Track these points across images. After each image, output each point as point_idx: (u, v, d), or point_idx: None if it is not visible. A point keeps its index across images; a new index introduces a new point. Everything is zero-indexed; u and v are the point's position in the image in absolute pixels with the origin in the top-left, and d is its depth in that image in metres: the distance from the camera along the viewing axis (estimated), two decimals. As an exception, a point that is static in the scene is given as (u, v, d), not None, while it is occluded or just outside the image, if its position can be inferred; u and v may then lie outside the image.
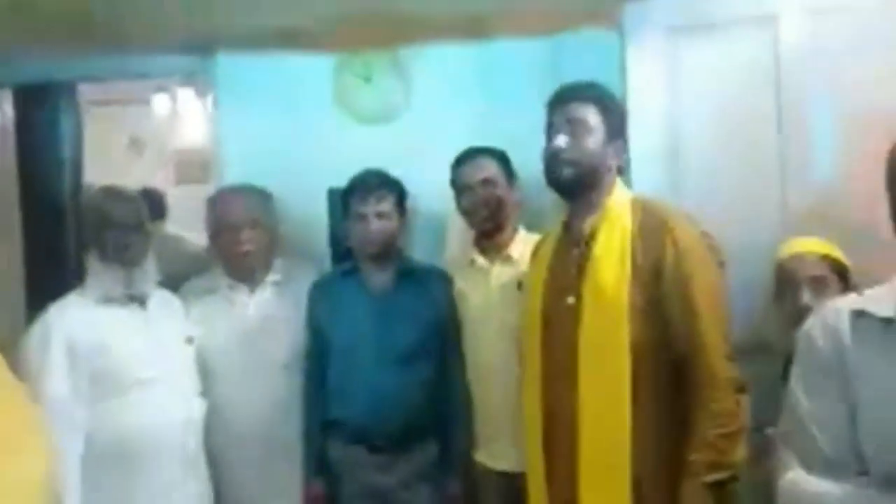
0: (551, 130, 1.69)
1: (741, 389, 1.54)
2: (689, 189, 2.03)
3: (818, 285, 1.66)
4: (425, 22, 2.34)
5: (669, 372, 1.58)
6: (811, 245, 1.73)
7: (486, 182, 2.12)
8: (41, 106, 2.70)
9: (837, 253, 1.69)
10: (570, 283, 1.66)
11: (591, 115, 1.66)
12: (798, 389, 1.11)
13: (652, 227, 1.61)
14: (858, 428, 1.03)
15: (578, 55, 2.31)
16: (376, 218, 2.11)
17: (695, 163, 2.05)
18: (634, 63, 2.05)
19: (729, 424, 1.51)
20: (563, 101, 1.69)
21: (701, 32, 1.99)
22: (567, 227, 1.74)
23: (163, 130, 4.81)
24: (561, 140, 1.64)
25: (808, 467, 1.07)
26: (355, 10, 2.22)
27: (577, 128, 1.65)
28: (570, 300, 1.65)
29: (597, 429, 1.58)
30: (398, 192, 2.17)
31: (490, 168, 2.14)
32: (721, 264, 1.71)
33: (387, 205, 2.12)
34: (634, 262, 1.59)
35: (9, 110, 2.70)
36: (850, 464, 1.04)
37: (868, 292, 1.10)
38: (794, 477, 1.09)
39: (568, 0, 2.21)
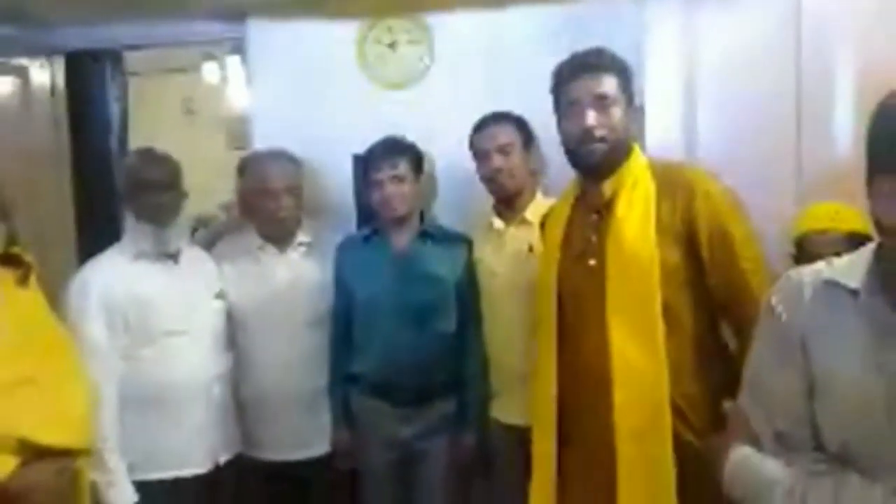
0: (574, 107, 1.65)
1: None
2: (706, 158, 2.02)
3: None
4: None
5: (705, 323, 1.61)
6: (836, 219, 1.70)
7: (503, 149, 2.15)
8: (90, 72, 2.83)
9: (862, 223, 1.63)
10: (589, 246, 1.67)
11: (613, 87, 1.64)
12: (757, 361, 1.11)
13: (676, 186, 1.61)
14: (816, 402, 1.03)
15: (596, 22, 2.29)
16: (391, 183, 2.17)
17: (712, 132, 2.04)
18: (652, 32, 2.04)
19: None
20: (582, 73, 1.65)
21: (720, 1, 1.95)
22: (583, 192, 1.74)
23: (213, 97, 4.95)
24: (591, 117, 1.62)
25: (762, 441, 1.07)
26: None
27: (604, 103, 1.63)
28: (592, 262, 1.65)
29: (631, 380, 1.56)
30: (413, 156, 2.22)
31: (507, 134, 2.17)
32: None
33: (401, 169, 2.18)
34: (660, 220, 1.59)
35: (60, 76, 2.85)
36: (805, 438, 1.03)
37: (836, 262, 1.08)
38: (743, 454, 1.09)
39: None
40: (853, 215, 1.68)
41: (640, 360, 1.55)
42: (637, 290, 1.57)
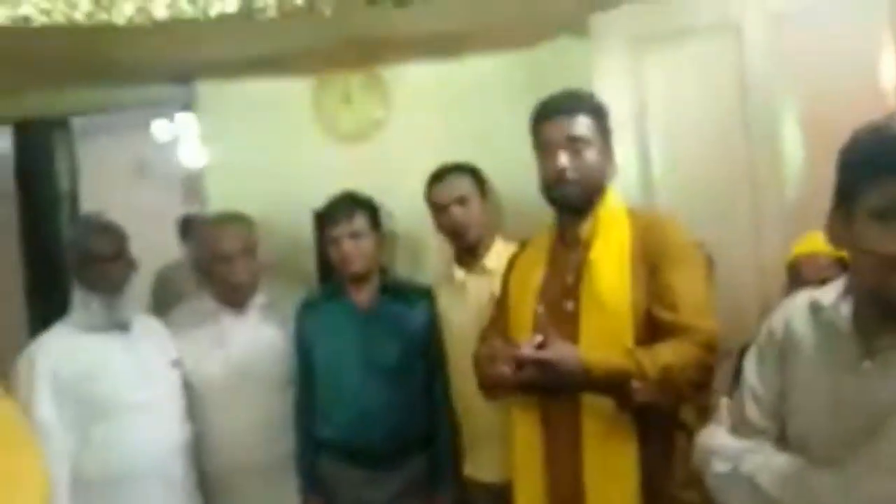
0: (548, 149, 1.65)
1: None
2: (660, 196, 2.04)
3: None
4: (399, 42, 2.38)
5: None
6: (822, 243, 1.73)
7: (460, 200, 2.14)
8: (37, 140, 2.77)
9: None
10: (567, 288, 1.64)
11: (588, 128, 1.64)
12: (748, 367, 1.23)
13: (648, 230, 1.62)
14: (787, 406, 1.15)
15: (551, 66, 2.33)
16: (349, 239, 2.14)
17: (664, 170, 2.06)
18: (601, 72, 2.07)
19: (689, 361, 1.47)
20: (556, 115, 1.65)
21: (666, 41, 2.00)
22: (560, 234, 1.73)
23: (165, 154, 4.91)
24: (563, 159, 1.61)
25: (735, 429, 1.20)
26: (332, 35, 2.28)
27: (577, 144, 1.62)
28: (569, 306, 1.62)
29: (599, 424, 1.54)
30: (370, 210, 2.20)
31: (462, 186, 2.16)
32: (709, 278, 1.72)
33: (358, 225, 2.15)
34: (634, 264, 1.58)
35: (7, 145, 2.79)
36: (769, 429, 1.16)
37: (828, 286, 1.16)
38: (709, 429, 1.25)
39: (539, 13, 2.23)
40: None
41: (610, 412, 1.53)
42: (610, 334, 1.55)
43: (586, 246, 1.64)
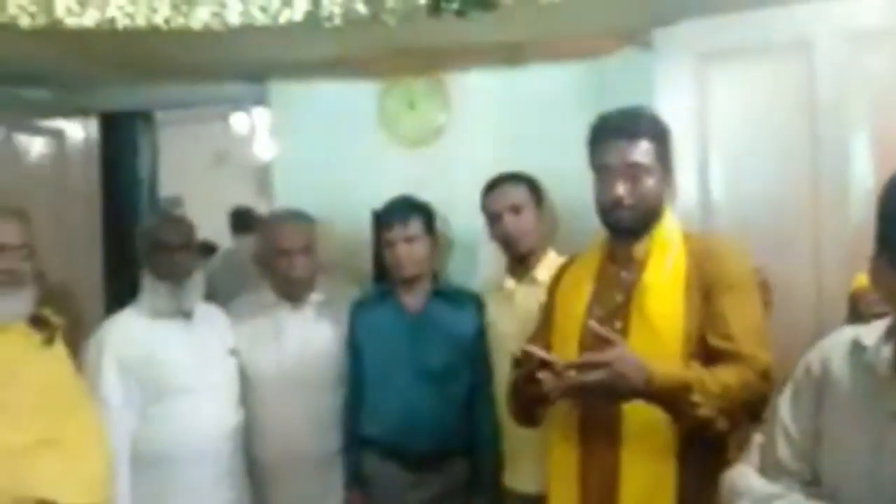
0: (606, 173, 1.61)
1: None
2: (719, 217, 1.99)
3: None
4: (466, 50, 2.41)
5: None
6: None
7: (514, 209, 2.15)
8: (122, 130, 2.94)
9: None
10: (616, 308, 1.61)
11: (649, 155, 1.59)
12: (782, 404, 1.19)
13: (704, 255, 1.58)
14: (821, 449, 1.10)
15: (617, 79, 2.30)
16: (404, 243, 2.18)
17: (724, 190, 2.01)
18: (664, 88, 2.03)
19: (747, 386, 1.44)
20: (616, 138, 1.60)
21: (732, 57, 1.95)
22: (611, 252, 1.69)
23: (242, 146, 5.10)
24: (620, 188, 1.58)
25: (765, 470, 1.16)
26: (400, 41, 2.32)
27: (636, 171, 1.58)
28: (617, 325, 1.58)
29: (639, 442, 1.52)
30: (425, 216, 2.23)
31: (517, 195, 2.16)
32: (766, 304, 1.67)
33: (413, 229, 2.18)
34: (688, 289, 1.55)
35: (94, 135, 2.96)
36: (801, 471, 1.12)
37: (874, 324, 1.12)
38: (738, 469, 1.21)
39: (602, 25, 2.21)
40: None
41: (652, 427, 1.50)
42: (658, 357, 1.49)
43: (640, 266, 1.61)
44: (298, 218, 2.34)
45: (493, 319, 2.22)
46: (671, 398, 1.44)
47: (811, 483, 1.11)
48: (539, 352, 1.48)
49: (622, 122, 1.61)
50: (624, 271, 1.64)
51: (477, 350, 2.20)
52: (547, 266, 2.12)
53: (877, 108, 1.81)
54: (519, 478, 2.14)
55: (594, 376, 1.41)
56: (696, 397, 1.42)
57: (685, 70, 2.02)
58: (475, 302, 2.27)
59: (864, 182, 1.83)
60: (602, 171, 1.62)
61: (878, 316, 1.56)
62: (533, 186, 2.20)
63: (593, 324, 1.51)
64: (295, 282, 2.28)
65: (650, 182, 1.59)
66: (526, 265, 2.19)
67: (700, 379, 1.44)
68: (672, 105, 2.01)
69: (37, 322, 1.73)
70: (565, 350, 1.62)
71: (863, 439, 1.04)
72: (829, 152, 1.87)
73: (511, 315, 2.16)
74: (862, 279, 1.71)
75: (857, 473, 1.04)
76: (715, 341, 1.51)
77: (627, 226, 1.62)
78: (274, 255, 2.28)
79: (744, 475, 1.18)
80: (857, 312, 1.65)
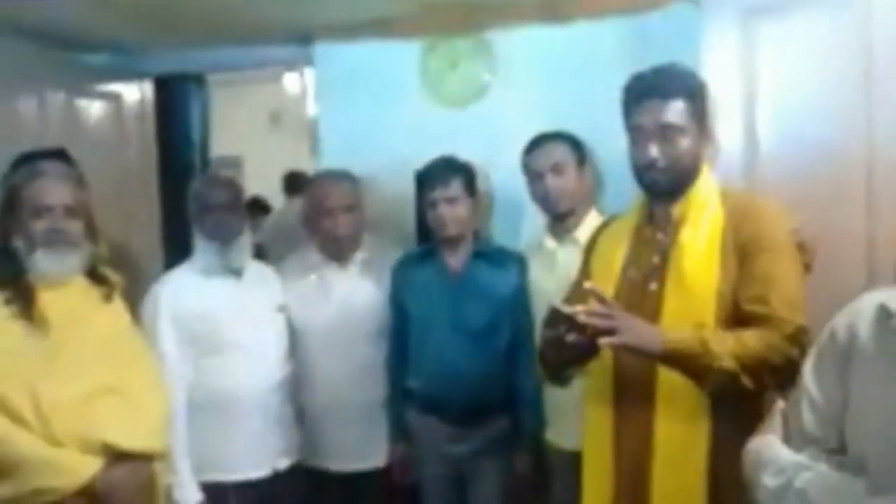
0: (639, 135, 1.59)
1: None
2: (767, 173, 1.93)
3: None
4: (508, 6, 2.37)
5: None
6: None
7: (556, 168, 2.14)
8: (175, 93, 3.02)
9: None
10: (652, 269, 1.61)
11: (683, 115, 1.56)
12: (806, 370, 1.17)
13: (742, 216, 1.56)
14: (847, 416, 1.08)
15: (662, 34, 2.24)
16: (445, 203, 2.19)
17: (772, 148, 1.94)
18: (711, 43, 1.96)
19: (772, 349, 1.42)
20: (649, 98, 1.57)
21: (782, 13, 1.85)
22: (649, 212, 1.68)
23: (296, 106, 5.15)
24: (653, 150, 1.56)
25: (789, 438, 1.15)
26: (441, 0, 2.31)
27: (669, 132, 1.55)
28: (653, 286, 1.59)
29: (673, 403, 1.52)
30: (466, 176, 2.24)
31: (559, 154, 2.15)
32: (806, 266, 1.63)
33: (454, 190, 2.20)
34: (724, 250, 1.54)
35: (149, 96, 3.06)
36: (828, 439, 1.10)
37: None
38: (762, 439, 1.19)
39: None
40: None
41: (686, 389, 1.50)
42: (692, 318, 1.51)
43: (676, 227, 1.60)
44: (342, 177, 2.38)
45: (534, 278, 2.23)
46: (689, 354, 1.44)
47: (836, 451, 1.09)
48: (564, 308, 1.49)
49: (654, 82, 1.58)
50: (660, 233, 1.63)
51: (518, 308, 2.22)
52: (588, 226, 2.11)
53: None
54: (560, 434, 2.18)
55: (602, 322, 1.43)
56: (714, 347, 1.42)
57: (732, 24, 1.94)
58: (517, 261, 2.28)
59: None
60: (635, 132, 1.60)
61: None
62: (575, 145, 2.19)
63: (589, 284, 1.53)
64: (339, 240, 2.33)
65: (684, 143, 1.57)
66: (566, 225, 2.19)
67: (716, 334, 1.45)
68: (719, 60, 1.95)
69: (96, 278, 1.83)
70: None
71: (890, 405, 1.01)
72: (883, 105, 1.77)
73: (551, 274, 2.17)
74: None
75: (884, 439, 1.01)
76: (749, 304, 1.50)
77: (662, 187, 1.61)
78: (319, 214, 2.34)
79: (769, 445, 1.16)
80: None
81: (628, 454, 1.61)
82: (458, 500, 2.28)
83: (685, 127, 1.56)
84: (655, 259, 1.61)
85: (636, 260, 1.65)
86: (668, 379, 1.52)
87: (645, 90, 1.58)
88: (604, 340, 1.43)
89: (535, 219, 2.34)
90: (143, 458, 1.71)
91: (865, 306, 1.10)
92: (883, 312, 1.06)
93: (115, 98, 2.93)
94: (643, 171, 1.61)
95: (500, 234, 2.52)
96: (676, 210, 1.61)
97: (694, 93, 1.58)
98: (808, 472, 1.07)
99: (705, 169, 1.64)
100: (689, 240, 1.56)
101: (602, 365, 1.63)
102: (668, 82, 1.57)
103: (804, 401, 1.14)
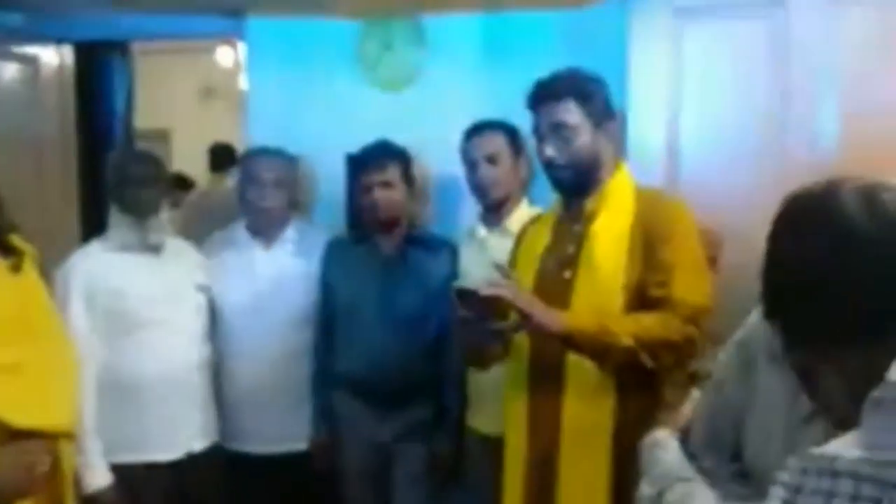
0: (538, 136, 1.69)
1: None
2: (686, 167, 2.01)
3: None
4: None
5: None
6: None
7: (491, 158, 2.15)
8: (97, 61, 2.89)
9: None
10: (567, 258, 1.68)
11: (572, 113, 1.64)
12: (715, 369, 1.14)
13: (651, 208, 1.64)
14: (745, 426, 1.05)
15: (594, 27, 2.27)
16: (380, 188, 2.18)
17: (694, 142, 2.02)
18: (639, 40, 2.01)
19: (670, 330, 1.51)
20: (540, 101, 1.67)
21: (709, 13, 1.93)
22: (567, 205, 1.75)
23: (229, 80, 5.00)
24: (549, 150, 1.66)
25: (683, 438, 1.13)
26: (380, -22, 2.27)
27: (561, 132, 1.65)
28: (567, 274, 1.66)
29: (580, 385, 1.60)
30: (402, 161, 2.23)
31: (494, 144, 2.16)
32: (712, 259, 1.71)
33: (390, 175, 2.18)
34: (633, 242, 1.61)
35: (69, 63, 2.91)
36: (725, 449, 1.07)
37: None
38: (661, 434, 1.16)
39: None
40: None
41: (593, 372, 1.58)
42: (600, 304, 1.59)
43: (589, 218, 1.68)
44: (275, 154, 2.34)
45: (464, 266, 2.24)
46: (589, 334, 1.52)
47: (735, 457, 1.06)
48: (466, 286, 1.56)
49: (548, 85, 1.67)
50: (576, 224, 1.70)
51: (448, 295, 2.22)
52: (519, 217, 2.14)
53: (848, 67, 1.80)
54: (481, 419, 2.20)
55: (502, 292, 1.49)
56: (612, 327, 1.51)
57: (661, 24, 2.00)
58: (449, 248, 2.29)
59: (831, 138, 1.83)
60: (536, 134, 1.70)
61: None
62: (512, 136, 2.19)
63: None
64: (265, 213, 2.28)
65: (579, 139, 1.65)
66: (499, 214, 2.21)
67: (615, 317, 1.54)
68: (646, 57, 2.01)
69: (2, 248, 1.72)
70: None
71: (779, 428, 0.98)
72: (798, 109, 1.87)
73: (483, 263, 2.16)
74: None
75: (769, 454, 0.98)
76: (652, 289, 1.58)
77: (566, 184, 1.69)
78: (246, 185, 2.29)
79: (662, 445, 1.14)
80: None
81: (541, 437, 1.66)
82: (380, 484, 2.28)
83: (577, 126, 1.64)
84: (570, 249, 1.68)
85: (554, 250, 1.73)
86: (577, 362, 1.59)
87: (540, 94, 1.68)
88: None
89: (473, 206, 2.34)
90: (39, 437, 1.59)
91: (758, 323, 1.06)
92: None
93: (31, 61, 2.77)
94: (546, 171, 1.70)
95: (433, 221, 2.52)
96: (590, 204, 1.68)
97: (586, 93, 1.66)
98: (684, 485, 1.04)
99: (623, 167, 1.72)
100: (601, 230, 1.64)
101: (519, 352, 1.69)
102: (560, 85, 1.66)
103: (705, 402, 1.14)
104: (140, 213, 2.09)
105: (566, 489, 1.60)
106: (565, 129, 1.64)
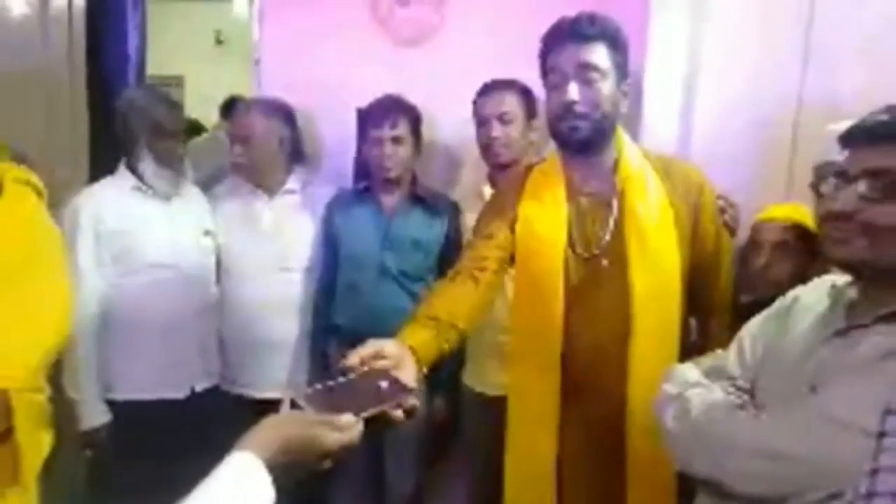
0: (556, 77, 1.47)
1: None
2: (699, 147, 1.98)
3: (779, 250, 1.64)
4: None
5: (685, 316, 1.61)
6: (782, 210, 1.70)
7: (503, 117, 2.12)
8: (109, 3, 2.84)
9: (808, 219, 1.61)
10: (601, 245, 1.54)
11: (603, 57, 1.45)
12: (749, 323, 1.24)
13: (679, 179, 1.56)
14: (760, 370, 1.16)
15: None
16: (389, 143, 2.17)
17: (708, 123, 1.99)
18: (658, 10, 1.97)
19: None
20: (568, 41, 1.46)
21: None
22: (580, 179, 1.57)
23: (244, 29, 4.95)
24: (573, 91, 1.44)
25: (707, 371, 1.22)
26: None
27: (589, 74, 1.44)
28: (605, 263, 1.53)
29: (650, 380, 1.39)
30: (413, 118, 2.22)
31: (509, 103, 2.13)
32: (731, 230, 1.76)
33: (400, 130, 2.18)
34: (677, 217, 1.52)
35: (80, 3, 2.86)
36: (745, 382, 1.18)
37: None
38: (683, 364, 1.28)
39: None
40: (803, 212, 1.66)
41: (658, 360, 1.47)
42: (660, 294, 1.51)
43: (620, 197, 1.53)
44: (270, 107, 2.31)
45: (467, 225, 2.23)
46: None
47: (747, 391, 1.17)
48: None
49: (573, 25, 1.47)
50: (604, 206, 1.54)
51: (448, 253, 2.22)
52: (528, 179, 2.12)
53: (867, 57, 1.77)
54: (477, 378, 2.22)
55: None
56: None
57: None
58: (451, 207, 2.29)
59: (852, 102, 1.79)
60: (554, 77, 1.48)
61: (775, 245, 1.63)
62: (526, 96, 2.16)
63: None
64: (243, 169, 2.28)
65: (606, 88, 1.47)
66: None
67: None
68: (666, 26, 1.98)
69: None
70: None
71: (798, 347, 1.09)
72: (815, 97, 1.84)
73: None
74: (765, 211, 1.74)
75: (781, 375, 1.10)
76: (700, 275, 1.59)
77: (579, 138, 1.48)
78: (234, 140, 2.28)
79: (684, 367, 1.25)
80: (755, 245, 1.69)
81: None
82: (376, 436, 2.31)
83: (607, 71, 1.46)
84: (601, 234, 1.54)
85: (582, 234, 1.56)
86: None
87: (563, 34, 1.48)
88: None
89: (474, 165, 2.33)
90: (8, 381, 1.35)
91: (819, 283, 1.18)
92: (832, 288, 1.12)
93: (40, -2, 2.73)
94: (561, 118, 1.48)
95: (441, 178, 2.50)
96: (613, 182, 1.54)
97: (615, 39, 1.48)
98: (702, 388, 1.17)
99: (618, 128, 1.56)
100: (643, 213, 1.51)
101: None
102: (587, 25, 1.46)
103: (734, 347, 1.23)
104: (175, 166, 2.13)
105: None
106: (593, 72, 1.44)
